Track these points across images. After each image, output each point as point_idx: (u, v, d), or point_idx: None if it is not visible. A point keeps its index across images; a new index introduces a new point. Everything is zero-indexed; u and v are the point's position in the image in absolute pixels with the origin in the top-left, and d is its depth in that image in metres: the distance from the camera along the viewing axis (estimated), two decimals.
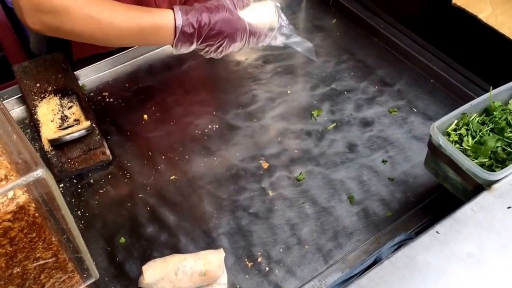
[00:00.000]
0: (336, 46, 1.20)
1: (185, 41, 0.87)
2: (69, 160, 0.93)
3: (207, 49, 0.89)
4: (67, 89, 1.02)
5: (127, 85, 1.11)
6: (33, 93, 1.01)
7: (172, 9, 0.85)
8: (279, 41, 0.94)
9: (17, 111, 1.05)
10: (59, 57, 1.07)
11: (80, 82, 1.09)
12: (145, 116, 1.04)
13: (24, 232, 0.48)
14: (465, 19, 1.01)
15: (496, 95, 0.81)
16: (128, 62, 1.15)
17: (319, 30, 1.24)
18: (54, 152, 0.93)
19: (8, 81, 1.61)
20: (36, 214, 0.48)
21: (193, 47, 0.89)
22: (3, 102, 0.84)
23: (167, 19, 0.86)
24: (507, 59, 0.97)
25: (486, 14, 1.00)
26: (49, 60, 1.07)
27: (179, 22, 0.85)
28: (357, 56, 1.17)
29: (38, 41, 1.16)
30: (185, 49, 0.89)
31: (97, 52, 1.13)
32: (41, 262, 0.52)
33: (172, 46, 0.88)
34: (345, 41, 1.20)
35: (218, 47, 0.89)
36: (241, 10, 0.90)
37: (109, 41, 0.88)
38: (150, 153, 0.98)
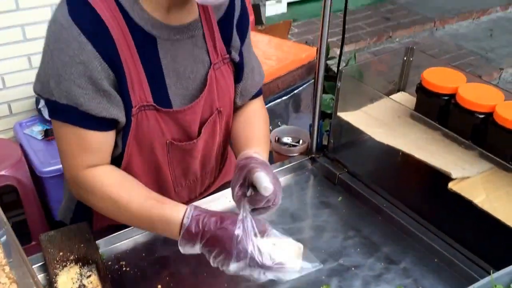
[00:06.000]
0: (342, 222, 1.27)
1: (189, 240, 0.90)
2: None
3: (207, 255, 0.91)
4: (88, 259, 1.07)
5: (143, 254, 1.15)
6: (55, 262, 1.05)
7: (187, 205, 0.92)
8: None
9: None
10: (84, 227, 1.14)
11: (100, 251, 1.13)
12: (159, 287, 1.06)
13: None
14: (463, 202, 1.08)
15: (497, 278, 0.85)
16: (145, 232, 1.20)
17: (326, 206, 1.32)
18: None
19: (25, 245, 1.68)
20: None
21: (197, 249, 0.91)
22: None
23: (176, 214, 0.91)
24: (506, 243, 1.02)
25: (481, 199, 1.07)
26: (74, 230, 1.13)
27: (186, 221, 0.89)
28: (363, 233, 1.23)
29: (65, 209, 1.25)
30: (189, 249, 0.91)
31: (113, 224, 1.20)
32: None
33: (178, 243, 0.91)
34: (351, 218, 1.28)
35: (216, 257, 0.90)
36: (261, 236, 0.91)
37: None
38: None
